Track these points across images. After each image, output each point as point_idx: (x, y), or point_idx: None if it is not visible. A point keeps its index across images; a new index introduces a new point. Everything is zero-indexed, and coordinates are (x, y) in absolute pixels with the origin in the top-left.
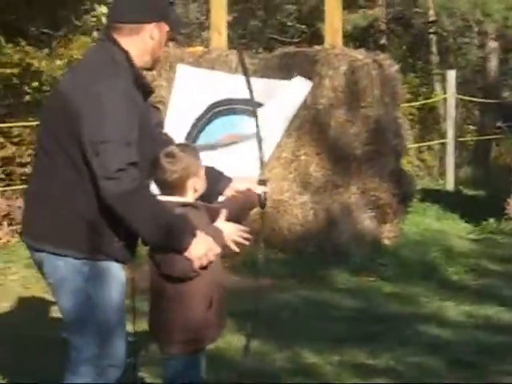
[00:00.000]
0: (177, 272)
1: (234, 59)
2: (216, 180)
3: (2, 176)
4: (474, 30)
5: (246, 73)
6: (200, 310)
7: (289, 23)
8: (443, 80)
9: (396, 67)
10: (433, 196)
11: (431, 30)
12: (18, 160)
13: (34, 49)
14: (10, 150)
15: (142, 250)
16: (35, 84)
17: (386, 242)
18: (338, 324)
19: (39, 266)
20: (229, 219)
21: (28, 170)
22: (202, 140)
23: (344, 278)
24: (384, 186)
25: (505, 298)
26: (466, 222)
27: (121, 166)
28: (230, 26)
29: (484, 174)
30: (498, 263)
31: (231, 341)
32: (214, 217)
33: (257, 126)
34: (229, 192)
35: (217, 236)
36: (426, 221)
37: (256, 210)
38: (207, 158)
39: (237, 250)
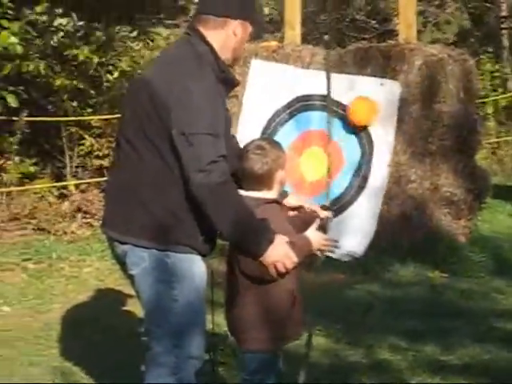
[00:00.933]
0: (255, 273)
1: (308, 54)
2: None
3: (78, 168)
4: None
5: (328, 91)
6: (285, 306)
7: (361, 18)
8: None
9: (472, 62)
10: (506, 192)
11: (503, 26)
12: (95, 153)
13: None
14: (89, 142)
15: (223, 243)
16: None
17: (460, 238)
18: (412, 320)
19: (121, 258)
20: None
21: (105, 162)
22: (281, 135)
23: (418, 274)
24: (458, 182)
25: None
26: None
27: (213, 158)
28: (303, 21)
29: None
30: None
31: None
32: (306, 223)
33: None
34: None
35: (305, 244)
36: (500, 217)
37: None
38: None
39: (322, 257)
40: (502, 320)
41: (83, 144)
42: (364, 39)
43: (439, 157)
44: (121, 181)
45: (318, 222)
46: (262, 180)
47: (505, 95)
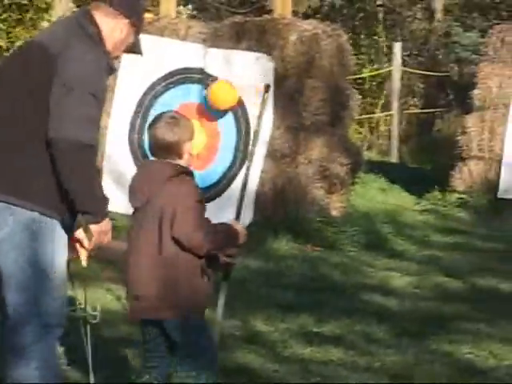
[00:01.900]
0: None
1: (183, 27)
2: None
3: None
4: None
5: (262, 109)
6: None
7: None
8: (389, 52)
9: (345, 37)
10: (378, 168)
11: (379, 3)
12: None
13: None
14: None
15: None
16: None
17: (334, 212)
18: (286, 293)
19: None
20: None
21: None
22: (158, 108)
23: (291, 248)
24: (332, 156)
25: (449, 269)
26: (411, 193)
27: (86, 114)
28: None
29: (428, 147)
30: (443, 234)
31: None
32: None
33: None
34: None
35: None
36: (372, 192)
37: None
38: None
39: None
40: (371, 293)
41: None
42: (240, 13)
43: (313, 131)
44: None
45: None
46: (171, 149)
47: (377, 71)
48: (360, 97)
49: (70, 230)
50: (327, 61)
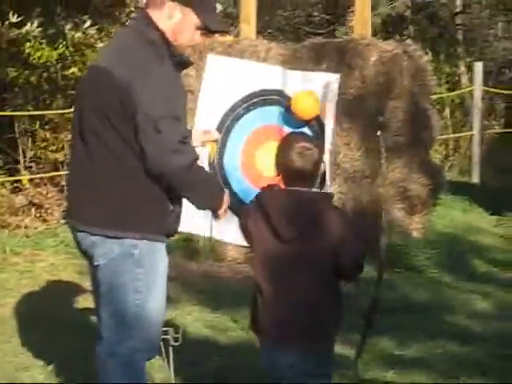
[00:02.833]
0: None
1: (263, 49)
2: None
3: (32, 162)
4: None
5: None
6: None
7: (315, 13)
8: (470, 72)
9: (426, 58)
10: (459, 188)
11: (458, 21)
12: (50, 147)
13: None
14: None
15: None
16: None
17: (415, 233)
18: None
19: (87, 249)
20: None
21: (60, 156)
22: (238, 130)
23: (371, 269)
24: (413, 177)
25: None
26: (493, 214)
27: (180, 139)
28: (258, 16)
29: (509, 167)
30: None
31: None
32: None
33: None
34: None
35: None
36: (453, 213)
37: None
38: None
39: None
40: (454, 315)
41: (37, 138)
42: (319, 34)
43: (393, 152)
44: (88, 172)
45: None
46: (311, 176)
47: (458, 91)
48: (440, 117)
49: None
50: (408, 81)
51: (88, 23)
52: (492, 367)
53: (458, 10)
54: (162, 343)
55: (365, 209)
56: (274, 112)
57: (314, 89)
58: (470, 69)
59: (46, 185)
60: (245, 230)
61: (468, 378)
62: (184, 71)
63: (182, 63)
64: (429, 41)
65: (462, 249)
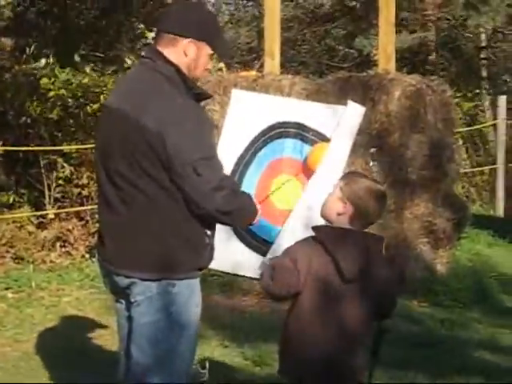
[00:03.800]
0: None
1: (287, 84)
2: None
3: (57, 196)
4: None
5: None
6: None
7: (339, 48)
8: (493, 105)
9: (450, 93)
10: (483, 222)
11: (482, 56)
12: (75, 182)
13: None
14: (68, 171)
15: None
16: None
17: (439, 268)
18: (392, 349)
19: (122, 288)
20: None
21: (84, 191)
22: (255, 163)
23: (397, 303)
24: (438, 211)
25: None
26: None
27: (221, 176)
28: (282, 51)
29: None
30: None
31: None
32: None
33: None
34: None
35: None
36: (478, 247)
37: None
38: None
39: None
40: (480, 350)
41: (62, 173)
42: (342, 69)
43: (419, 186)
44: (122, 215)
45: None
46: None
47: (482, 125)
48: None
49: None
50: (432, 115)
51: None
52: None
53: (483, 44)
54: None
55: (390, 243)
56: (290, 144)
57: (338, 121)
58: (493, 103)
59: (71, 219)
60: (287, 268)
61: None
62: (208, 106)
63: (200, 95)
64: (452, 75)
65: (487, 283)
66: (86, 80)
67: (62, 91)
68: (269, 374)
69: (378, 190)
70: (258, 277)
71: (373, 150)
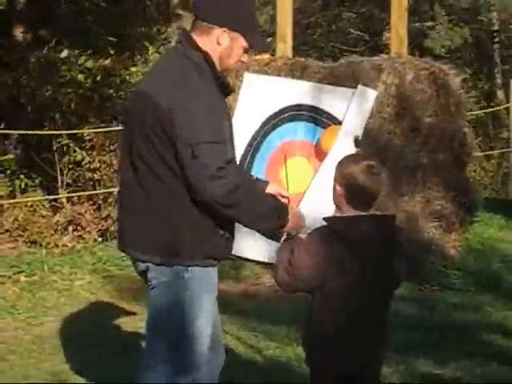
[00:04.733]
0: None
1: (299, 67)
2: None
3: (69, 181)
4: None
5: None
6: None
7: (352, 31)
8: (507, 88)
9: (462, 76)
10: (495, 205)
11: (495, 40)
12: (87, 166)
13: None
14: (80, 155)
15: None
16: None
17: (451, 251)
18: (403, 333)
19: (143, 273)
20: None
21: (96, 175)
22: (265, 146)
23: (408, 287)
24: (450, 196)
25: None
26: None
27: (220, 165)
28: (294, 34)
29: None
30: None
31: None
32: None
33: None
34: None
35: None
36: (490, 230)
37: None
38: None
39: None
40: (492, 334)
41: (74, 157)
42: (355, 52)
43: (430, 170)
44: (137, 198)
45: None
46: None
47: (494, 108)
48: (476, 134)
49: None
50: (444, 99)
51: None
52: None
53: (495, 27)
54: None
55: (401, 227)
56: (302, 127)
57: (350, 104)
58: (506, 86)
59: (83, 203)
60: (304, 263)
61: None
62: None
63: (224, 86)
64: (465, 59)
65: (499, 267)
66: (107, 62)
67: (80, 76)
68: (282, 357)
69: (363, 164)
70: (267, 261)
71: (356, 136)
